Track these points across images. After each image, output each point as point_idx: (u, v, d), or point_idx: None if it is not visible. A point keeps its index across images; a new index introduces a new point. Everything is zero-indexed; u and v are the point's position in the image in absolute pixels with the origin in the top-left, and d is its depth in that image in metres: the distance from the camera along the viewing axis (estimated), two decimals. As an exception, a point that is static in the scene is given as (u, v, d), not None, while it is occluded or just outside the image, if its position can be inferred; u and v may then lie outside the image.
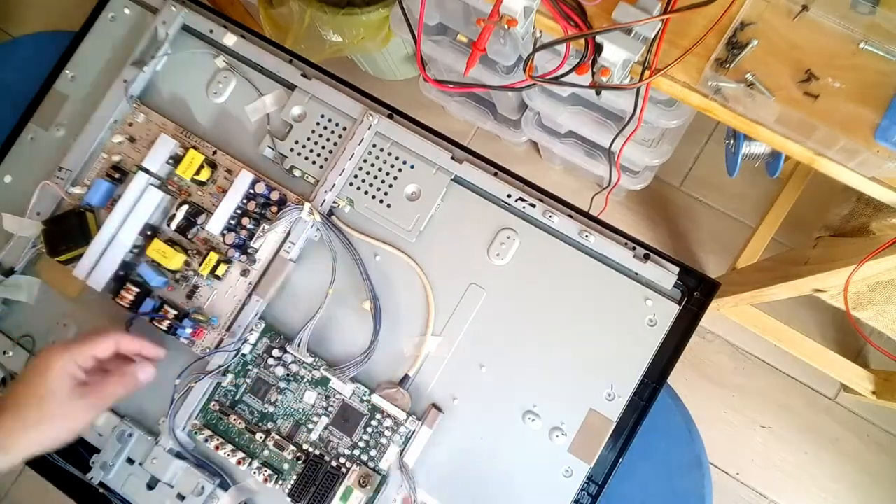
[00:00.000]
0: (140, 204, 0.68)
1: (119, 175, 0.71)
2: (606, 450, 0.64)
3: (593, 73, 0.56)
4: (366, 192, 0.69)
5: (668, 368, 0.65)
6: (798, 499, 1.31)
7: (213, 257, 0.67)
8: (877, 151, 0.53)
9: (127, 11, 0.75)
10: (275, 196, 0.68)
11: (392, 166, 0.69)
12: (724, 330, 1.37)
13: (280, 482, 0.64)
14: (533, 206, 0.67)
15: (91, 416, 0.59)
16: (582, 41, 0.55)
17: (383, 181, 0.69)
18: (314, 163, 0.70)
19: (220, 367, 0.66)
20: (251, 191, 0.68)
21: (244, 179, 0.68)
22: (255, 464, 0.64)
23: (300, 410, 0.66)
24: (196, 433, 0.66)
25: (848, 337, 1.34)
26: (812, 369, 1.26)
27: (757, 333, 1.26)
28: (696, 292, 0.66)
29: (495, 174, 0.69)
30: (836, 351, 1.23)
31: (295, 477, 0.64)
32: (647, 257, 0.66)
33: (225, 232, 0.67)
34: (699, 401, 1.36)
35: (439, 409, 0.65)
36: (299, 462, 0.64)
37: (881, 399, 1.19)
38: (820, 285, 0.83)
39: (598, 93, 0.60)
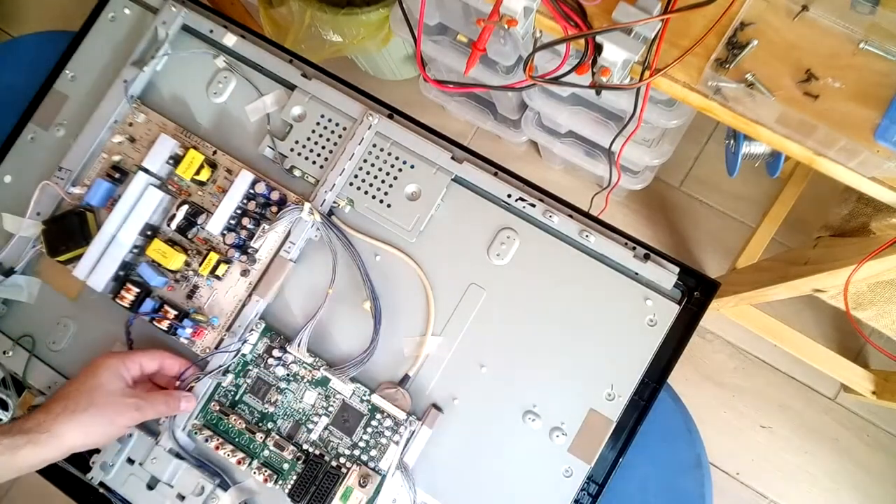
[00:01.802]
0: (140, 204, 0.68)
1: (119, 175, 0.71)
2: (606, 450, 0.64)
3: (593, 73, 0.56)
4: (366, 192, 0.69)
5: (669, 368, 0.65)
6: (798, 499, 1.31)
7: (213, 257, 0.67)
8: (877, 151, 0.53)
9: (127, 11, 0.75)
10: (275, 196, 0.68)
11: (392, 166, 0.69)
12: (724, 330, 1.37)
13: (280, 482, 0.64)
14: (533, 206, 0.67)
15: (134, 417, 0.60)
16: (582, 41, 0.55)
17: (383, 181, 0.69)
18: (314, 163, 0.70)
19: (220, 367, 0.66)
20: (251, 191, 0.68)
21: (244, 179, 0.68)
22: (255, 464, 0.64)
23: (300, 410, 0.66)
24: (196, 433, 0.66)
25: (848, 337, 1.34)
26: (812, 369, 1.26)
27: (757, 333, 1.26)
28: (696, 292, 0.66)
29: (495, 174, 0.69)
30: (836, 351, 1.23)
31: (295, 477, 0.64)
32: (647, 257, 0.66)
33: (225, 232, 0.67)
34: (699, 401, 1.36)
35: (439, 409, 0.65)
36: (299, 462, 0.64)
37: (881, 399, 1.19)
38: (820, 285, 0.83)
39: (598, 93, 0.60)
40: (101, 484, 0.65)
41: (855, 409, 1.33)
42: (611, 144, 0.85)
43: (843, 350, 1.28)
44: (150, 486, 0.65)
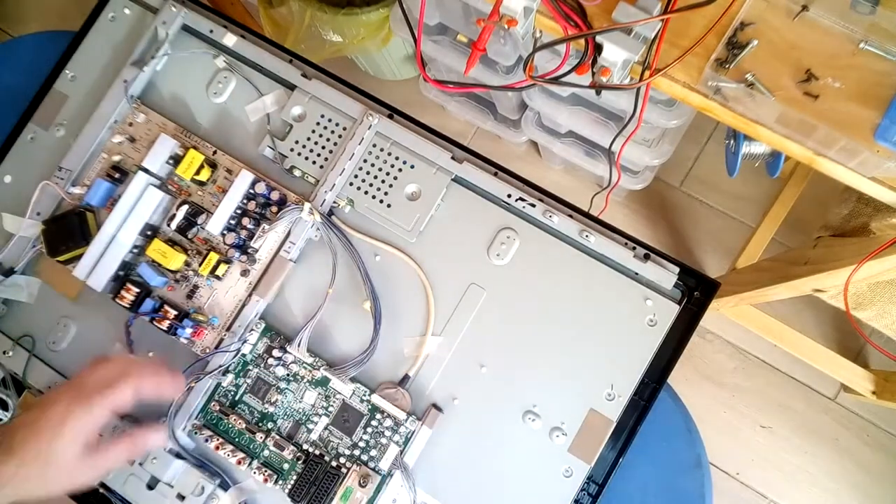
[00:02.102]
0: (140, 204, 0.68)
1: (119, 175, 0.71)
2: (606, 450, 0.64)
3: (593, 73, 0.56)
4: (366, 192, 0.69)
5: (669, 368, 0.65)
6: (798, 499, 1.32)
7: (213, 257, 0.67)
8: (877, 151, 0.53)
9: (127, 11, 0.75)
10: (275, 196, 0.68)
11: (392, 166, 0.69)
12: (724, 330, 1.37)
13: (280, 482, 0.64)
14: (533, 205, 0.67)
15: (93, 479, 0.56)
16: (582, 41, 0.55)
17: (383, 181, 0.69)
18: (314, 163, 0.70)
19: (220, 367, 0.66)
20: (251, 191, 0.68)
21: (244, 179, 0.68)
22: (255, 464, 0.64)
23: (300, 410, 0.66)
24: (196, 433, 0.66)
25: (848, 337, 1.34)
26: (812, 369, 1.26)
27: (757, 333, 1.26)
28: (697, 292, 0.66)
29: (495, 174, 0.69)
30: (836, 351, 1.23)
31: (295, 477, 0.64)
32: (647, 257, 0.66)
33: (225, 232, 0.67)
34: (699, 401, 1.36)
35: (439, 409, 0.65)
36: (299, 462, 0.64)
37: (881, 399, 1.19)
38: (820, 285, 0.83)
39: (598, 93, 0.60)
40: (101, 484, 0.65)
41: (855, 409, 1.33)
42: (611, 144, 0.85)
43: (843, 350, 1.28)
44: (150, 486, 0.65)
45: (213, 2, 1.30)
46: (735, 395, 1.36)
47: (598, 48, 0.55)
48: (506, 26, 0.56)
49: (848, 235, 0.83)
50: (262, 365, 0.67)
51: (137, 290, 0.68)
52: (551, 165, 1.45)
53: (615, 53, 0.54)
